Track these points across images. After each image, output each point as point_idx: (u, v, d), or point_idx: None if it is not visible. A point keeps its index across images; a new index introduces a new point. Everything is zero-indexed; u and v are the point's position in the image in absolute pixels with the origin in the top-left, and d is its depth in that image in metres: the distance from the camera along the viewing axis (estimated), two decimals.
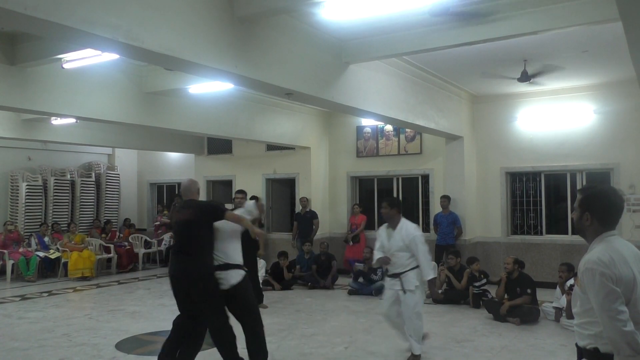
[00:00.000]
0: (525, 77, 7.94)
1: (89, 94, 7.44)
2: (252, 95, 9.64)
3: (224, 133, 9.89)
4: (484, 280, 8.29)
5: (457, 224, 9.74)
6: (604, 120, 9.38)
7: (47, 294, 9.62)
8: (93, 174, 13.73)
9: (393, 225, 5.59)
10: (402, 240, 5.48)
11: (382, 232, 5.72)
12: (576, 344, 2.56)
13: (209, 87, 7.70)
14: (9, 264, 10.98)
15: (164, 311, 7.91)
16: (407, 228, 5.57)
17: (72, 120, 9.28)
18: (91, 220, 13.35)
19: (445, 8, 4.90)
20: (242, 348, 4.86)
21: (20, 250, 11.25)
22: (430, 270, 5.50)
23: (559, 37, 6.44)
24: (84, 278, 11.07)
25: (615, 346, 2.29)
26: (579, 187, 9.54)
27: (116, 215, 14.16)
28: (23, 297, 9.32)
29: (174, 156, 14.40)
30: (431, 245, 9.85)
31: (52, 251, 11.65)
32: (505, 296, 7.42)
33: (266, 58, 5.35)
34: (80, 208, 13.28)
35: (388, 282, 5.69)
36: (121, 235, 13.26)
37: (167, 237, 12.97)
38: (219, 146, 12.90)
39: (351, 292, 9.32)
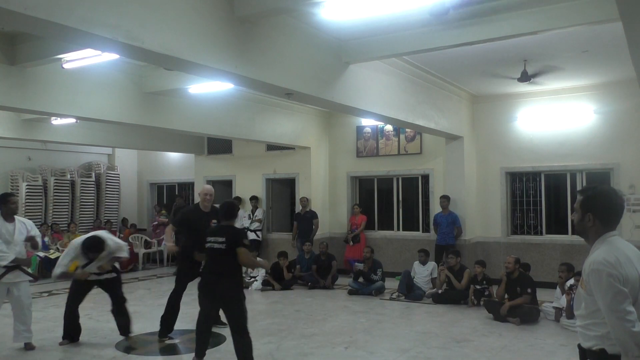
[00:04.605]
0: (525, 77, 7.94)
1: (89, 94, 7.43)
2: (252, 95, 9.64)
3: (224, 133, 9.88)
4: (485, 285, 8.22)
5: (457, 224, 9.72)
6: (604, 120, 9.38)
7: (47, 294, 9.62)
8: (93, 174, 13.71)
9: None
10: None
11: None
12: (579, 345, 2.54)
13: (209, 87, 7.69)
14: None
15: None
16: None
17: (72, 120, 9.27)
18: (91, 220, 13.34)
19: (446, 8, 4.89)
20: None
21: None
22: None
23: (559, 37, 6.44)
24: None
25: (624, 347, 2.28)
26: (579, 187, 9.54)
27: (116, 215, 14.14)
28: None
29: (174, 156, 14.39)
30: (431, 245, 9.92)
31: (52, 251, 11.63)
32: (506, 296, 7.42)
33: (266, 58, 5.35)
34: (80, 208, 13.27)
35: None
36: (121, 235, 13.22)
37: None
38: (219, 146, 12.88)
39: (351, 292, 9.31)
